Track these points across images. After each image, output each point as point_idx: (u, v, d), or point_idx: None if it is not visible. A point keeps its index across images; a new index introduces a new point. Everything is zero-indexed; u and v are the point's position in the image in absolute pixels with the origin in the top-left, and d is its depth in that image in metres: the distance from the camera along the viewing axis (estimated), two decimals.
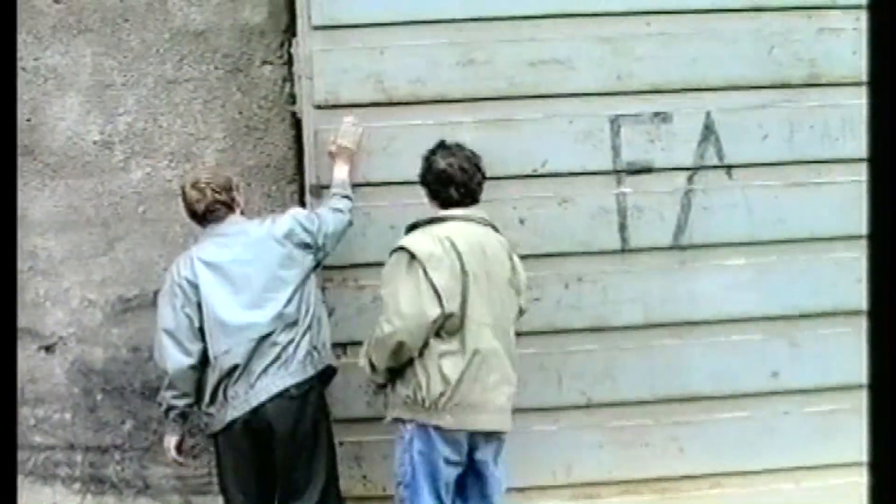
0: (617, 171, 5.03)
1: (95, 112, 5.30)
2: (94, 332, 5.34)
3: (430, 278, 4.14)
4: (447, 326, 4.18)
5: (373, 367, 4.30)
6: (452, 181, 4.35)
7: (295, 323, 4.40)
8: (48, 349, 5.29)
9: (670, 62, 5.00)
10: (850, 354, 4.64)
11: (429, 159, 4.42)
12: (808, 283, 5.10)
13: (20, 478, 5.16)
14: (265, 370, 4.36)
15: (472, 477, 4.36)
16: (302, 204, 5.10)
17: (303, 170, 5.12)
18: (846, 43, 4.99)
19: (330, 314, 4.72)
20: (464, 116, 4.89)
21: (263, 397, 4.35)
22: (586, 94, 4.99)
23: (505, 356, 4.30)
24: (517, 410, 4.60)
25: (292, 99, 5.28)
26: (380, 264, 4.48)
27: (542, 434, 4.98)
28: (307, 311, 4.44)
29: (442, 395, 4.17)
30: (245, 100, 5.35)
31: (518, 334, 4.63)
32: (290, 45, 5.22)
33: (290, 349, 4.39)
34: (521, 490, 4.94)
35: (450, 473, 4.26)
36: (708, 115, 5.04)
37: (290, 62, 5.25)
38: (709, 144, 5.00)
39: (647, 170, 5.03)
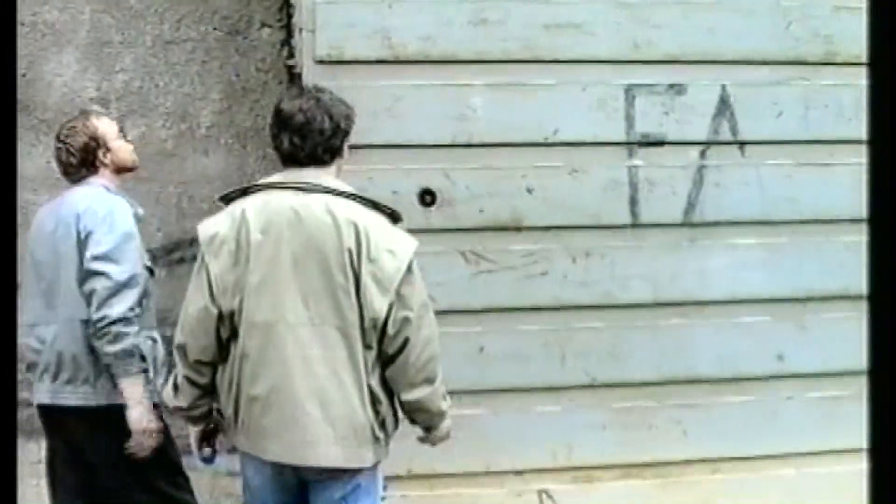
0: (629, 143, 4.30)
1: (92, 69, 4.84)
2: None
3: (207, 266, 2.95)
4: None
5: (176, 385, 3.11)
6: (287, 126, 2.99)
7: None
8: None
9: (688, 32, 4.29)
10: (856, 339, 3.78)
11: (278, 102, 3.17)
12: (818, 265, 4.41)
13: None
14: None
15: None
16: None
17: None
18: (862, 21, 4.06)
19: None
20: (474, 78, 4.14)
21: None
22: (601, 62, 4.26)
23: (324, 368, 2.89)
24: (519, 390, 4.06)
25: (290, 54, 4.79)
26: None
27: (543, 414, 4.26)
28: None
29: (228, 410, 3.03)
30: (242, 61, 4.93)
31: (521, 310, 3.79)
32: (289, 7, 4.80)
33: None
34: (518, 473, 4.24)
35: None
36: (724, 88, 4.33)
37: (288, 25, 4.89)
38: (723, 119, 4.31)
39: (660, 143, 4.32)
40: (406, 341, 2.93)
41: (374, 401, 2.96)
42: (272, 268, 2.90)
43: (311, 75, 3.96)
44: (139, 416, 3.42)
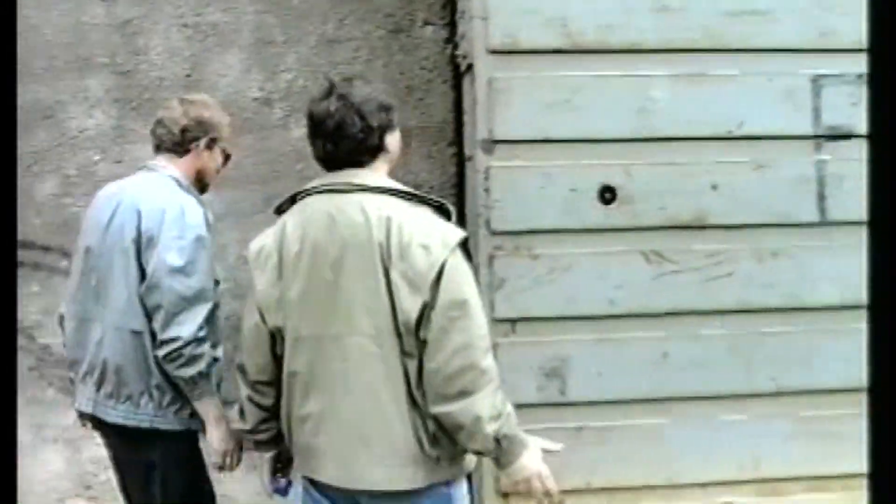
0: (817, 136, 3.91)
1: (256, 69, 4.64)
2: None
3: (254, 282, 2.71)
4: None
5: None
6: (318, 131, 2.67)
7: None
8: None
9: None
10: None
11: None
12: None
13: None
14: None
15: None
16: (461, 167, 4.47)
17: (461, 133, 4.37)
18: None
19: (499, 286, 3.51)
20: (655, 69, 3.81)
21: None
22: (787, 50, 3.89)
23: (362, 381, 2.57)
24: (702, 398, 3.71)
25: (454, 51, 4.52)
26: (558, 231, 3.61)
27: (728, 424, 3.90)
28: None
29: (284, 429, 2.77)
30: (406, 60, 4.66)
31: (705, 313, 3.44)
32: (453, 4, 4.58)
33: None
34: (702, 485, 3.89)
35: None
36: None
37: (452, 22, 4.64)
38: None
39: (848, 135, 3.91)
40: (431, 346, 2.50)
41: (422, 415, 2.55)
42: (312, 278, 2.58)
43: (483, 66, 3.68)
44: (221, 437, 3.09)
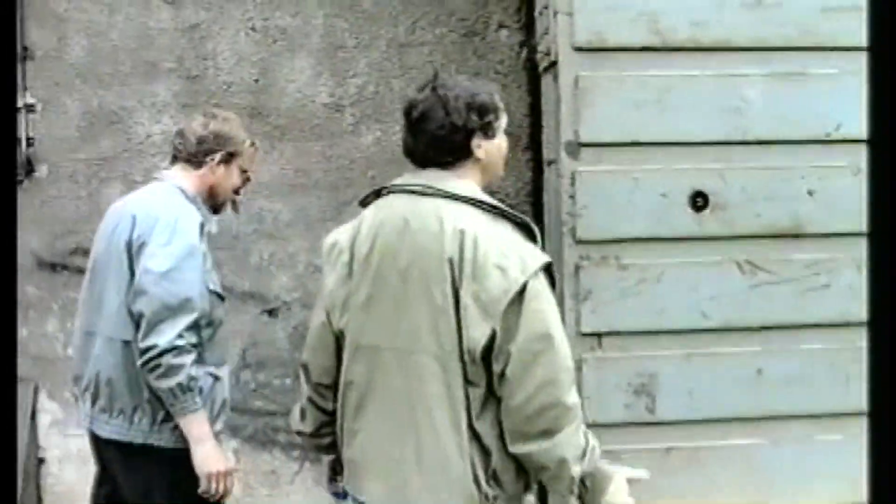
0: None
1: (326, 74, 4.54)
2: None
3: (324, 278, 2.51)
4: None
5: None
6: (405, 121, 2.45)
7: None
8: (271, 313, 4.55)
9: None
10: None
11: None
12: None
13: (238, 442, 4.45)
14: None
15: None
16: (537, 173, 4.36)
17: (538, 138, 4.23)
18: None
19: (585, 298, 3.28)
20: (749, 68, 3.54)
21: None
22: None
23: (419, 403, 2.33)
24: (800, 417, 3.46)
25: (529, 55, 4.38)
26: (648, 239, 3.39)
27: (827, 444, 3.60)
28: None
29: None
30: (480, 64, 4.56)
31: (803, 327, 3.21)
32: (528, 7, 4.43)
33: None
34: None
35: None
36: None
37: (527, 26, 4.51)
38: None
39: None
40: (512, 381, 2.26)
41: (482, 450, 2.31)
42: (379, 284, 2.36)
43: (568, 64, 3.44)
44: (204, 457, 2.86)
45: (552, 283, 2.35)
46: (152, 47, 4.38)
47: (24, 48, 4.30)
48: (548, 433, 2.26)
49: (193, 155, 3.04)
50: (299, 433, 2.65)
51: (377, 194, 2.50)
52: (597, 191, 3.41)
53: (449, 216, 2.32)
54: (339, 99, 4.49)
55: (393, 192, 2.45)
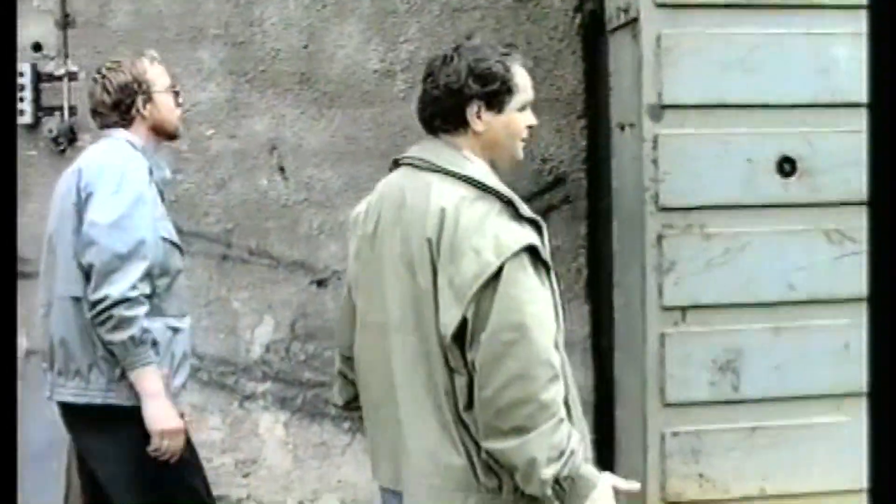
0: None
1: (376, 40, 4.34)
2: None
3: (350, 250, 2.41)
4: None
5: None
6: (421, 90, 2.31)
7: None
8: (320, 283, 4.37)
9: None
10: None
11: None
12: None
13: (287, 414, 4.33)
14: None
15: None
16: (592, 140, 4.25)
17: (592, 104, 4.21)
18: None
19: (669, 270, 3.06)
20: (838, 25, 3.37)
21: None
22: None
23: (409, 387, 2.22)
24: None
25: (583, 21, 4.22)
26: (733, 207, 3.25)
27: None
28: None
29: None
30: (534, 29, 4.35)
31: None
32: None
33: None
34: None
35: None
36: None
37: None
38: None
39: None
40: (482, 372, 2.08)
41: (474, 440, 2.15)
42: (379, 260, 2.24)
43: (650, 21, 3.25)
44: (154, 414, 2.71)
45: (546, 269, 2.14)
46: (198, 13, 4.18)
47: (66, 15, 4.13)
48: (519, 430, 2.07)
49: (119, 106, 2.90)
50: (335, 405, 2.55)
51: (396, 164, 2.33)
52: (680, 155, 3.22)
53: (435, 193, 2.15)
54: (391, 65, 4.31)
55: (401, 165, 2.30)
